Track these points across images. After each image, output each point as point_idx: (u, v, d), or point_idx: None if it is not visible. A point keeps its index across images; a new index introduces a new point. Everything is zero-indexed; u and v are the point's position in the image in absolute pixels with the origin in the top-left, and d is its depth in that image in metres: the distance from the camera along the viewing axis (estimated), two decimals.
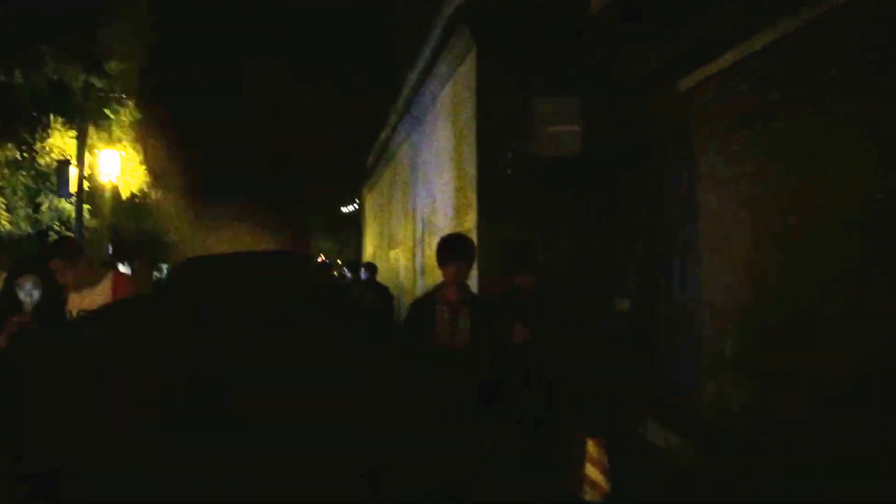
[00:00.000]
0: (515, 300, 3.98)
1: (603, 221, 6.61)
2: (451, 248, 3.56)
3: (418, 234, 10.48)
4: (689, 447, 5.16)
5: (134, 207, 14.38)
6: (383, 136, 15.91)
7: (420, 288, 10.28)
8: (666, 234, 5.99)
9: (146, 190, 10.64)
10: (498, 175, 6.67)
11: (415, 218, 10.98)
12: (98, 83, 8.77)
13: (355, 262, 11.11)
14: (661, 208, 6.06)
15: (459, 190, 7.58)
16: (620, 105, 6.50)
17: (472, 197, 6.89)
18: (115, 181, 9.74)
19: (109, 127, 9.70)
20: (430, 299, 3.59)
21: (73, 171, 9.29)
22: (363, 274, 8.53)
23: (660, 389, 5.96)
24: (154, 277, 18.44)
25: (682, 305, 5.71)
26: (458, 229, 7.59)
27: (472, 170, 6.96)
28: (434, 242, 9.15)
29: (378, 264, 16.12)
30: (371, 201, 21.41)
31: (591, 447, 3.88)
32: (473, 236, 6.78)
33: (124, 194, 10.52)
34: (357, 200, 28.19)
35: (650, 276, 6.19)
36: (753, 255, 4.73)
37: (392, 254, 14.37)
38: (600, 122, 6.57)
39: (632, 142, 6.40)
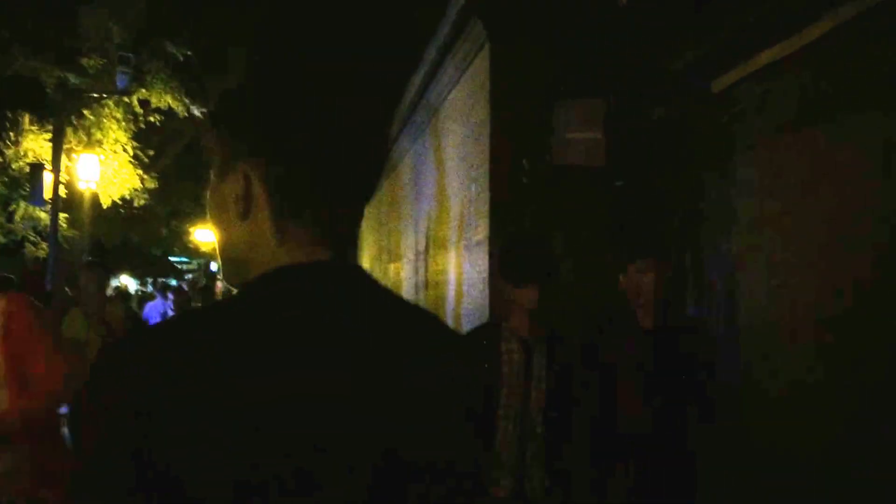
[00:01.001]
0: (629, 328, 2.66)
1: (630, 237, 5.96)
2: (528, 261, 2.39)
3: (421, 246, 9.87)
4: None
5: (118, 216, 13.67)
6: None
7: (423, 303, 9.72)
8: (700, 247, 5.38)
9: (130, 196, 9.85)
10: (512, 185, 6.01)
11: (417, 230, 10.35)
12: (74, 80, 8.06)
13: None
14: (697, 220, 5.45)
15: (469, 201, 6.93)
16: (649, 108, 5.89)
17: (484, 209, 6.23)
18: (94, 188, 9.02)
19: (88, 129, 8.99)
20: (491, 331, 2.42)
21: (48, 177, 8.61)
22: None
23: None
24: (138, 292, 17.67)
25: (718, 324, 5.09)
26: (466, 243, 6.96)
27: (483, 179, 6.31)
28: (438, 256, 8.62)
29: (378, 277, 15.67)
30: (368, 215, 20.79)
31: None
32: (484, 251, 6.12)
33: (105, 202, 9.75)
34: None
35: (680, 292, 5.56)
36: (800, 270, 4.16)
37: (392, 267, 13.84)
38: (626, 127, 5.96)
39: (662, 148, 5.77)
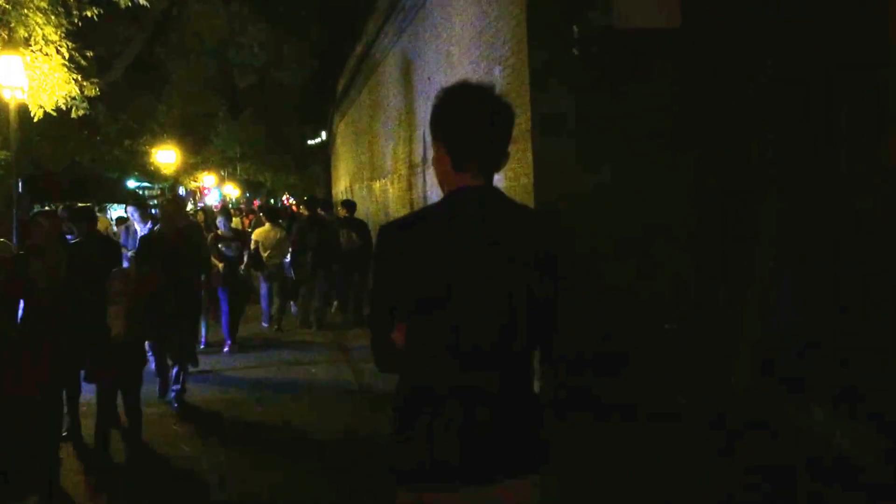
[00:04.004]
0: None
1: (714, 126, 4.60)
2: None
3: (417, 157, 8.41)
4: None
5: (62, 137, 11.94)
6: (359, 49, 13.62)
7: None
8: (826, 148, 4.02)
9: (66, 106, 8.16)
10: (559, 59, 4.59)
11: (411, 140, 8.87)
12: None
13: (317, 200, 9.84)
14: (818, 109, 4.06)
15: (496, 86, 5.45)
16: None
17: (523, 92, 4.81)
18: (20, 96, 7.42)
19: (9, 24, 7.33)
20: None
21: None
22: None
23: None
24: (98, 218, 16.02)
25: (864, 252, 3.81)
26: None
27: (517, 55, 4.87)
28: None
29: (359, 198, 14.11)
30: (344, 130, 19.07)
31: None
32: (526, 147, 4.74)
33: (36, 113, 8.12)
34: (325, 132, 25.74)
35: (796, 203, 4.25)
36: None
37: (378, 185, 12.33)
38: None
39: (762, 8, 4.34)
